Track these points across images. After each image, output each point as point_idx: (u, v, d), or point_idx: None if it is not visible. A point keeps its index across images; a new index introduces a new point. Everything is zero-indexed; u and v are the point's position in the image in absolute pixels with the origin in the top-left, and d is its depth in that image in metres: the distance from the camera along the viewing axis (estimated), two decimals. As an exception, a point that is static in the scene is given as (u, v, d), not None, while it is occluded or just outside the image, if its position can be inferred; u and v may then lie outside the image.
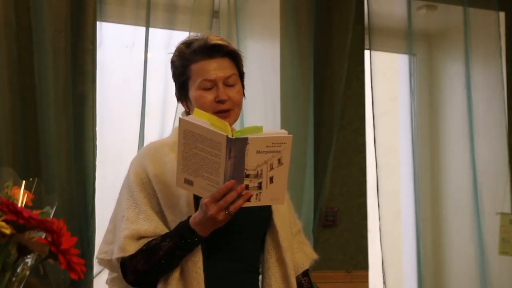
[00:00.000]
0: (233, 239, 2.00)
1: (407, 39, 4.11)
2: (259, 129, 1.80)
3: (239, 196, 1.81)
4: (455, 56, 4.31)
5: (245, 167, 1.78)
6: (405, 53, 4.20)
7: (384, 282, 3.86)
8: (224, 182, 1.79)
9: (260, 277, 2.09)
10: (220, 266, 1.99)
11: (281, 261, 2.05)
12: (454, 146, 4.27)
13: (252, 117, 3.57)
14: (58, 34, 3.17)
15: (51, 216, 1.83)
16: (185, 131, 1.80)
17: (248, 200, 1.82)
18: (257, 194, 1.83)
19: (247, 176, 1.79)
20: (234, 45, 2.12)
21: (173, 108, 3.35)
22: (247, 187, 1.81)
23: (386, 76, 4.23)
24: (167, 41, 3.50)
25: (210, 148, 1.78)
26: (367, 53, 3.99)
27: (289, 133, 1.84)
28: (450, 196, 4.28)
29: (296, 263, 2.13)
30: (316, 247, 3.52)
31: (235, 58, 2.07)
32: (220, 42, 2.05)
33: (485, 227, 4.09)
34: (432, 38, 4.45)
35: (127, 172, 2.06)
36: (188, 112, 2.09)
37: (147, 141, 3.27)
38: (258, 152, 1.78)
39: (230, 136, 1.76)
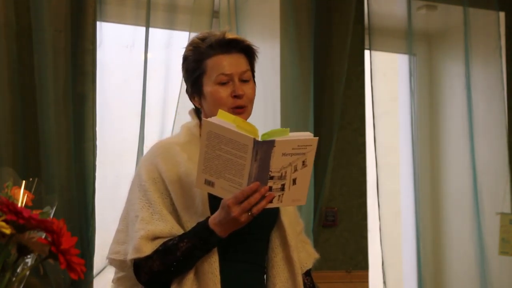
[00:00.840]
0: (245, 239, 1.99)
1: (407, 39, 4.11)
2: (285, 131, 1.80)
3: (262, 197, 1.81)
4: (455, 56, 4.31)
5: (270, 169, 1.78)
6: (405, 53, 4.20)
7: (384, 282, 3.86)
8: (248, 184, 1.79)
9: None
10: (233, 267, 1.98)
11: (288, 260, 2.05)
12: (454, 146, 4.27)
13: (252, 117, 3.55)
14: (58, 34, 3.17)
15: (51, 216, 1.83)
16: (209, 133, 1.79)
17: (271, 201, 1.83)
18: (279, 196, 1.83)
19: (271, 178, 1.80)
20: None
21: (173, 108, 3.35)
22: (270, 188, 1.81)
23: (386, 76, 4.23)
24: (167, 41, 3.50)
25: (235, 150, 1.77)
26: (367, 53, 3.99)
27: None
28: (450, 196, 4.28)
29: (300, 262, 2.13)
30: (316, 247, 3.50)
31: (250, 54, 2.06)
32: (237, 37, 2.06)
33: (485, 227, 4.09)
34: (432, 38, 4.45)
35: (137, 171, 2.05)
36: (198, 109, 2.08)
37: (147, 141, 3.27)
38: (283, 154, 1.78)
39: (257, 138, 1.75)
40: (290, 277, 2.05)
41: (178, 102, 3.31)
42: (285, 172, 1.80)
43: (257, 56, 2.09)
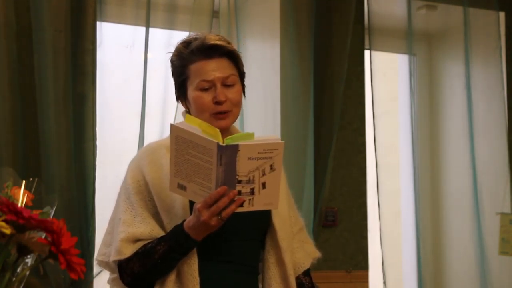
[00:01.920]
0: (227, 240, 1.99)
1: (407, 39, 4.11)
2: (250, 135, 1.81)
3: (232, 201, 1.81)
4: (455, 56, 4.31)
5: (237, 173, 1.79)
6: (405, 53, 4.20)
7: (384, 282, 3.86)
8: (216, 188, 1.80)
9: (261, 277, 2.09)
10: (215, 268, 1.99)
11: (280, 262, 2.05)
12: (454, 146, 4.27)
13: (252, 117, 3.57)
14: (58, 34, 3.17)
15: (51, 216, 1.83)
16: (177, 137, 1.81)
17: (241, 205, 1.83)
18: (249, 200, 1.83)
19: (239, 182, 1.80)
20: (233, 45, 2.10)
21: (173, 108, 3.35)
22: (239, 192, 1.81)
23: (386, 76, 4.23)
24: (167, 41, 3.50)
25: (201, 155, 1.79)
26: (367, 53, 3.99)
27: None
28: (450, 196, 4.28)
29: (296, 263, 2.13)
30: (316, 247, 3.52)
31: (234, 58, 2.04)
32: (218, 42, 2.02)
33: (485, 227, 4.09)
34: (432, 38, 4.45)
35: (125, 174, 2.07)
36: (188, 112, 2.09)
37: (147, 141, 3.27)
38: (249, 158, 1.78)
39: (221, 143, 1.76)
40: (282, 279, 2.05)
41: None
42: (253, 176, 1.81)
43: (241, 59, 2.06)
